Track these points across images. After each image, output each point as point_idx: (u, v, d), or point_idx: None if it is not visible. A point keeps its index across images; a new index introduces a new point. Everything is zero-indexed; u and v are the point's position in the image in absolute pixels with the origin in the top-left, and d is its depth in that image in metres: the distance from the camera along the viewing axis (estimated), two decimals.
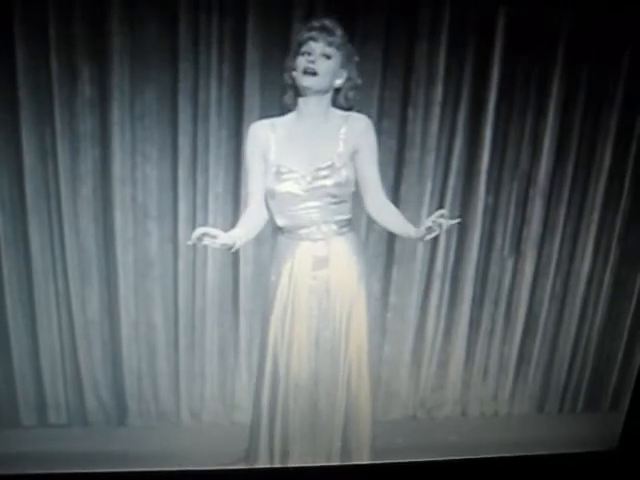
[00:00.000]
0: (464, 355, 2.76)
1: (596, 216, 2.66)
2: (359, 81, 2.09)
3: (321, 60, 2.00)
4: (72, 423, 2.68)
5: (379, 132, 2.47)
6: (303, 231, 2.08)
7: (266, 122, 2.11)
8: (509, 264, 2.69)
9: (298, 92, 2.04)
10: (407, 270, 2.66)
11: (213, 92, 2.44)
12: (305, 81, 2.00)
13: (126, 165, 2.48)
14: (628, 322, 2.75)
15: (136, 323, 2.62)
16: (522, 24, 2.43)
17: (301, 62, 2.00)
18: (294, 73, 2.02)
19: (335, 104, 2.08)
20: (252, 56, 2.40)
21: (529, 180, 2.61)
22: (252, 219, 2.12)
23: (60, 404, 2.66)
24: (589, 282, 2.75)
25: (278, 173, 2.04)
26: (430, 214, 2.54)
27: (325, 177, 2.03)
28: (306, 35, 2.01)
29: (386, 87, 2.50)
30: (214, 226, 2.27)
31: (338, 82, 2.05)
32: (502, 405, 2.83)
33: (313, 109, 2.05)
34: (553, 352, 2.81)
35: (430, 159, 2.57)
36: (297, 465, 2.21)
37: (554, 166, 2.60)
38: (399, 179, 2.58)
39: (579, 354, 2.81)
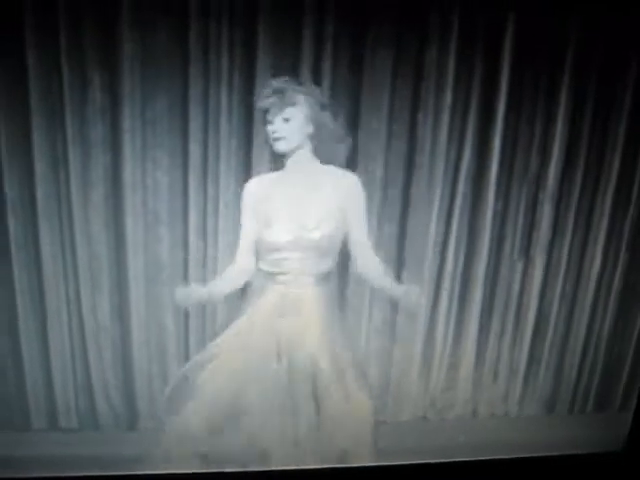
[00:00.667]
0: (474, 357, 2.77)
1: (605, 222, 2.68)
2: (332, 125, 2.17)
3: (282, 125, 2.09)
4: (83, 427, 2.70)
5: (389, 136, 2.51)
6: (280, 277, 2.11)
7: (258, 179, 2.22)
8: (518, 268, 2.70)
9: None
10: (417, 274, 2.67)
11: (223, 100, 2.44)
12: (276, 147, 2.11)
13: (137, 171, 2.49)
14: (638, 324, 2.77)
15: (147, 327, 2.63)
16: (531, 31, 2.44)
17: (268, 131, 2.12)
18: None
19: (317, 150, 2.15)
20: (263, 64, 2.40)
21: (538, 186, 2.61)
22: (234, 272, 2.21)
23: (70, 408, 2.68)
24: (598, 285, 2.76)
25: (266, 224, 2.11)
26: (439, 219, 2.61)
27: (311, 231, 2.07)
28: (262, 104, 2.11)
29: (396, 93, 2.50)
30: (224, 232, 2.32)
31: (309, 131, 2.11)
32: (512, 406, 2.85)
33: (298, 164, 2.13)
34: (563, 353, 2.83)
35: (440, 164, 2.58)
36: (300, 467, 2.23)
37: (563, 172, 2.61)
38: (409, 184, 2.59)
39: (589, 356, 2.83)
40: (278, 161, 2.23)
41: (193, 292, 2.23)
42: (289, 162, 2.15)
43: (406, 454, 2.53)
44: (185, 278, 2.58)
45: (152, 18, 2.37)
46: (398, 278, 2.67)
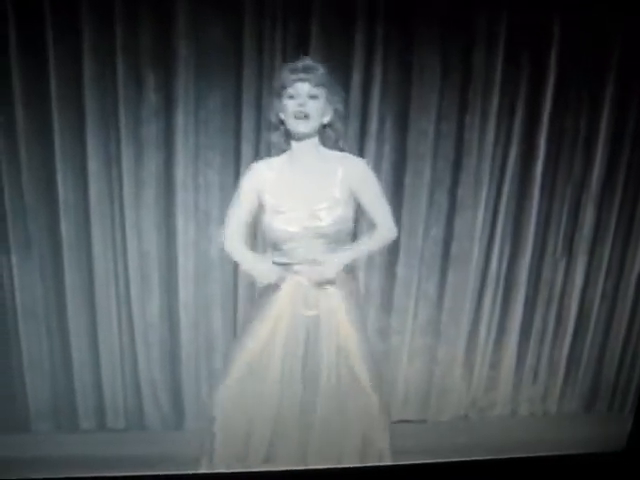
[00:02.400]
0: (515, 356, 2.80)
1: None
2: (344, 112, 2.08)
3: (310, 102, 1.99)
4: (130, 427, 2.69)
5: (437, 137, 2.56)
6: (295, 267, 2.05)
7: (264, 162, 2.10)
8: (561, 267, 2.74)
9: (289, 134, 2.03)
10: (462, 273, 2.71)
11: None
12: (297, 126, 2.00)
13: (189, 171, 2.52)
14: None
15: (195, 326, 2.64)
16: (576, 35, 2.50)
17: (290, 106, 1.99)
18: (281, 115, 2.01)
19: (323, 138, 2.06)
20: None
21: (582, 187, 2.67)
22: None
23: (118, 408, 2.67)
24: (638, 284, 2.80)
25: (275, 212, 2.04)
26: (485, 219, 2.63)
27: (320, 218, 2.02)
28: (291, 77, 1.98)
29: (445, 95, 2.55)
30: None
31: (326, 119, 2.04)
32: (552, 405, 2.88)
33: (305, 150, 2.04)
34: (603, 353, 2.86)
35: (486, 165, 2.62)
36: (316, 467, 2.22)
37: (606, 173, 2.67)
38: (456, 184, 2.63)
39: (628, 354, 2.86)
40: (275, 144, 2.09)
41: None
42: (295, 147, 2.05)
43: (446, 452, 2.53)
44: (235, 277, 2.60)
45: (207, 19, 2.40)
46: (444, 278, 2.72)
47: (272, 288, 2.08)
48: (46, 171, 2.45)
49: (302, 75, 1.98)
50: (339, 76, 2.31)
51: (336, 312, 2.08)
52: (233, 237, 2.09)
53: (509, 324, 2.79)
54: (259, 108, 2.49)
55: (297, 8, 2.44)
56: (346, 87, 2.48)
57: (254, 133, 2.51)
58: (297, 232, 2.02)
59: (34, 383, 2.59)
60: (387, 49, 2.51)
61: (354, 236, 2.09)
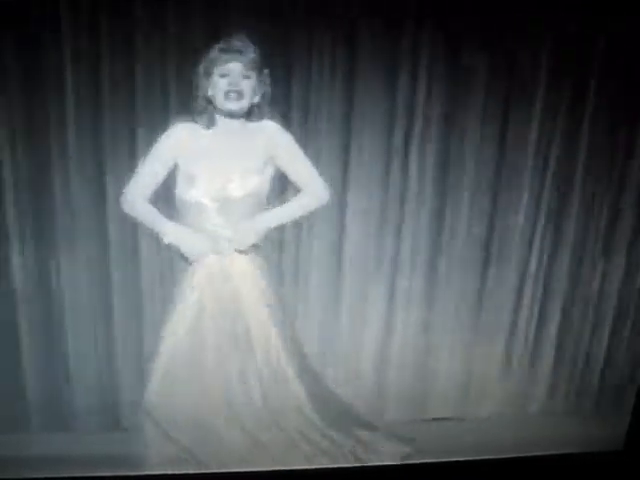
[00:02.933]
0: (554, 354, 2.84)
1: None
2: (271, 95, 2.11)
3: (243, 82, 2.02)
4: None
5: (482, 138, 2.59)
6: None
7: (189, 126, 2.09)
8: (599, 267, 2.77)
9: (215, 111, 2.06)
10: (503, 274, 2.73)
11: (324, 104, 2.50)
12: (229, 105, 2.03)
13: None
14: None
15: None
16: (623, 40, 2.51)
17: (221, 84, 2.01)
18: (210, 93, 2.04)
19: (249, 116, 2.10)
20: (362, 66, 2.46)
21: (621, 189, 2.69)
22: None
23: None
24: None
25: (187, 181, 2.06)
26: (527, 219, 2.67)
27: (233, 188, 2.04)
28: (224, 56, 2.01)
29: (489, 95, 2.57)
30: None
31: (256, 99, 2.08)
32: (587, 402, 2.91)
33: (231, 127, 2.08)
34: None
35: (528, 166, 2.65)
36: (301, 468, 2.22)
37: None
38: (499, 185, 2.65)
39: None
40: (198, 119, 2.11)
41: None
42: (220, 124, 2.09)
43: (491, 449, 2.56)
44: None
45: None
46: (484, 276, 2.74)
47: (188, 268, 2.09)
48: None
49: (235, 55, 2.01)
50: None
51: (249, 286, 2.10)
52: (141, 195, 2.08)
53: (548, 322, 2.81)
54: (307, 109, 2.50)
55: (344, 9, 2.42)
56: (393, 88, 2.52)
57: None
58: (210, 204, 2.05)
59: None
60: (434, 50, 2.52)
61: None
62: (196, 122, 2.09)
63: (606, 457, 2.49)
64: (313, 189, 2.14)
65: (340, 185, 2.55)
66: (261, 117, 2.11)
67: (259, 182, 2.08)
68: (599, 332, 2.85)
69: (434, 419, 2.82)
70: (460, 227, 2.66)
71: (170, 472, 2.21)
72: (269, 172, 2.12)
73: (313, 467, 2.21)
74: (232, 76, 2.01)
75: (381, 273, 2.69)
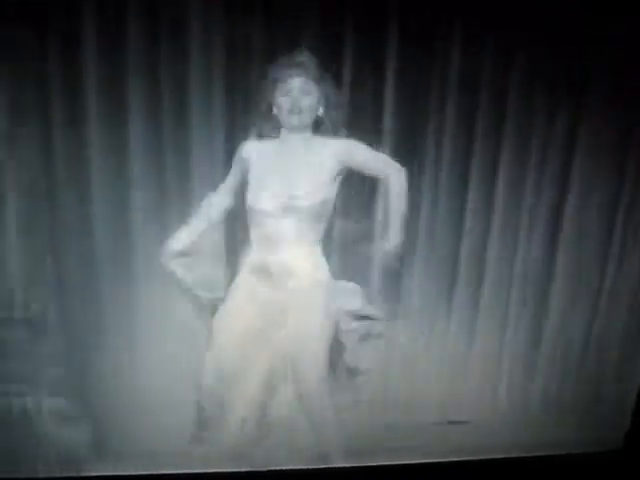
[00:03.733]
0: (554, 354, 2.83)
1: None
2: (336, 101, 2.16)
3: (303, 98, 2.06)
4: None
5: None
6: (272, 246, 2.13)
7: (254, 143, 2.19)
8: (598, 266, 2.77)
9: (279, 124, 2.12)
10: (500, 270, 2.72)
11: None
12: (291, 121, 2.08)
13: None
14: None
15: None
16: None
17: (284, 101, 2.07)
18: (275, 109, 2.10)
19: (319, 129, 2.15)
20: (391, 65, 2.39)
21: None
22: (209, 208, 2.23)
23: None
24: None
25: (256, 191, 2.11)
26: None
27: (300, 199, 2.08)
28: (285, 72, 2.06)
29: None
30: None
31: (319, 113, 2.12)
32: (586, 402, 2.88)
33: (297, 142, 2.12)
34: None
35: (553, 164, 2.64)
36: (302, 467, 2.26)
37: None
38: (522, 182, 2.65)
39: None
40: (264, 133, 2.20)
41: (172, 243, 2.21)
42: (286, 137, 2.14)
43: (485, 450, 2.56)
44: None
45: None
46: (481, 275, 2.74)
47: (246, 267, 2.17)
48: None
49: (295, 70, 2.05)
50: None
51: (302, 296, 2.15)
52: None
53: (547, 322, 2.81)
54: None
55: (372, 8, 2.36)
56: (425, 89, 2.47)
57: None
58: (275, 212, 2.08)
59: None
60: (465, 50, 2.46)
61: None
62: (262, 137, 2.18)
63: (606, 457, 2.51)
64: (393, 169, 2.18)
65: None
66: (334, 128, 2.15)
67: (323, 198, 2.12)
68: (599, 331, 2.85)
69: (434, 424, 2.80)
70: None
71: (170, 472, 2.22)
72: (338, 182, 2.16)
73: (313, 467, 2.21)
74: (293, 92, 2.06)
75: None
